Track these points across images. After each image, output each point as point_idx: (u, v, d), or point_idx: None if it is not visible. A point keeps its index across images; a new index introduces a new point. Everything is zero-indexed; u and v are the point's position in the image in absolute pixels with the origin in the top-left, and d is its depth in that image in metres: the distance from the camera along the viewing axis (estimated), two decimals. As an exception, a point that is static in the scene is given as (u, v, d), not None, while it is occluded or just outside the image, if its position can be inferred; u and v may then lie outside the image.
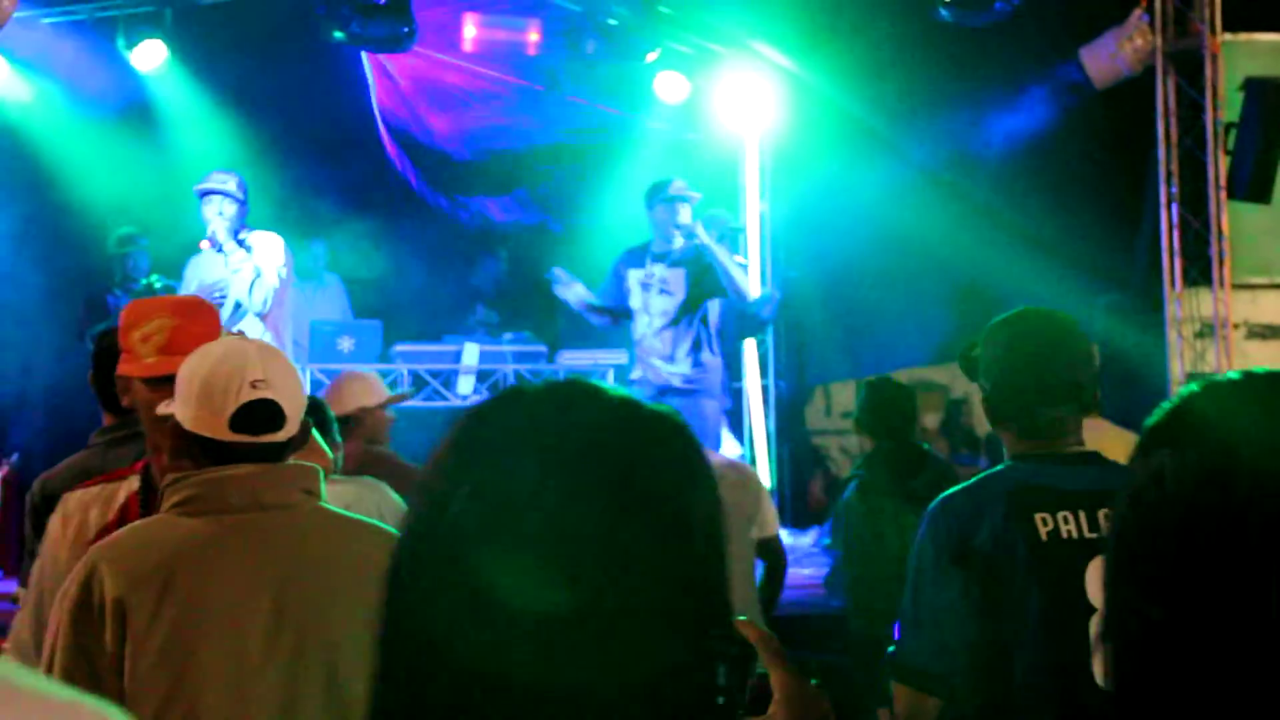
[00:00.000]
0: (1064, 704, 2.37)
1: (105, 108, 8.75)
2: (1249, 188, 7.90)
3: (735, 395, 8.93)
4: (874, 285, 9.28)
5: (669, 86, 9.49)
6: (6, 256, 8.45)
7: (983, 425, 7.25)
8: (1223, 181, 8.00)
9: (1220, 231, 8.03)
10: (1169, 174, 8.12)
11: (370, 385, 4.89)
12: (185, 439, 2.21)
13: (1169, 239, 8.13)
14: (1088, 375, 2.64)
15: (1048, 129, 8.59)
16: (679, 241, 7.17)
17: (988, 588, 2.48)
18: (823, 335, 10.00)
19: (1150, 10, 8.08)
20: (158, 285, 8.03)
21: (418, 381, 7.93)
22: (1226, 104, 8.03)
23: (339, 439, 4.29)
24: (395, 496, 3.81)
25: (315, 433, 3.34)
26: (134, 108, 8.83)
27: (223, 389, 2.18)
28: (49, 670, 2.02)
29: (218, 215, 6.61)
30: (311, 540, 2.22)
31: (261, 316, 6.50)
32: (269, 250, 6.60)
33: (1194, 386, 1.05)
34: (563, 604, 0.93)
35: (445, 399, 8.05)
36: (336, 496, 2.72)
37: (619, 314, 7.44)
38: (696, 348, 7.22)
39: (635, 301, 7.28)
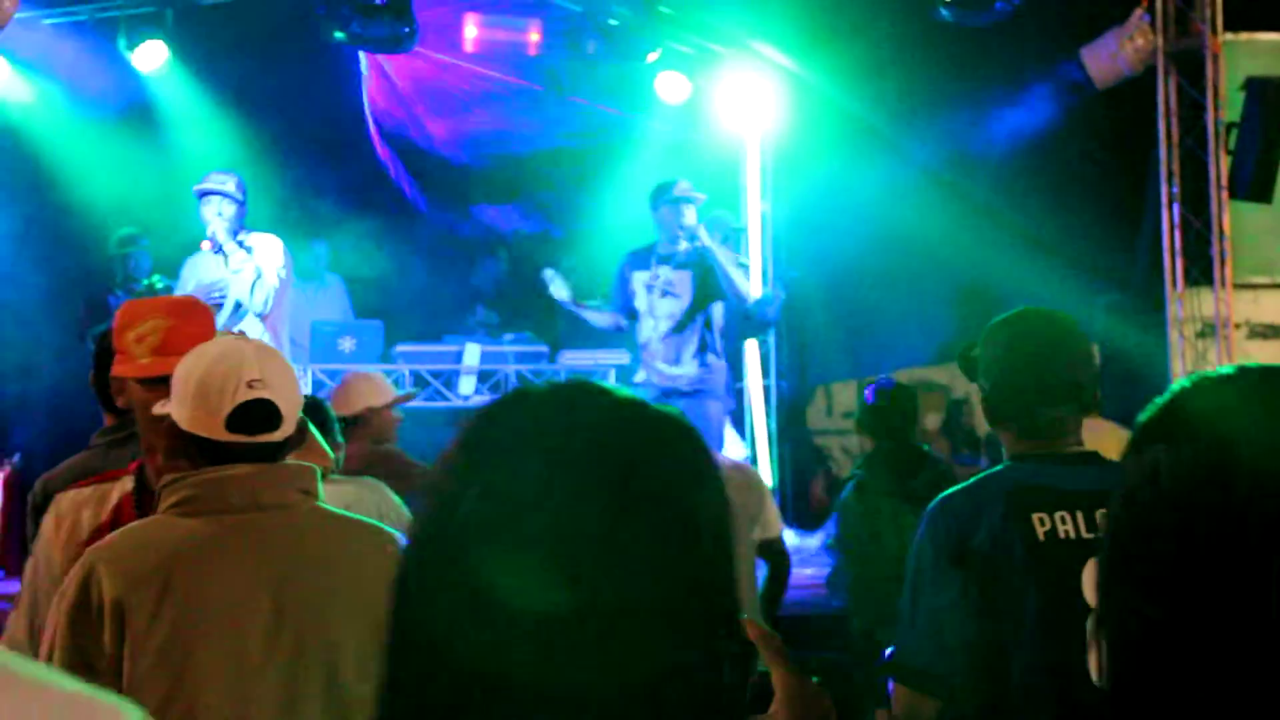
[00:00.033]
0: (1061, 704, 2.36)
1: (106, 108, 8.74)
2: (1250, 187, 7.89)
3: (737, 395, 8.94)
4: (875, 285, 9.28)
5: (670, 87, 9.48)
6: (8, 257, 8.45)
7: (984, 425, 7.23)
8: (1224, 181, 7.99)
9: (1221, 231, 8.02)
10: (1170, 174, 8.11)
11: (377, 386, 4.91)
12: (181, 439, 2.21)
13: (1170, 239, 8.12)
14: (1088, 375, 2.63)
15: (1049, 129, 8.59)
16: (684, 244, 7.16)
17: (986, 588, 2.48)
18: (824, 335, 9.99)
19: (1151, 10, 8.07)
20: (159, 286, 8.02)
21: (419, 382, 7.94)
22: (1228, 103, 8.02)
23: (340, 439, 4.29)
24: (395, 497, 3.82)
25: (316, 432, 3.35)
26: (135, 108, 8.83)
27: (219, 389, 2.18)
28: (47, 671, 2.02)
29: (217, 216, 6.61)
30: (309, 540, 2.22)
31: (262, 317, 6.51)
32: (269, 251, 6.61)
33: (1186, 382, 1.04)
34: (562, 604, 0.93)
35: (447, 399, 8.05)
36: (337, 496, 2.72)
37: (620, 317, 7.45)
38: (702, 350, 7.23)
39: (640, 304, 7.28)
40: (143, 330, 2.64)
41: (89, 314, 8.16)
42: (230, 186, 6.68)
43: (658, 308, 7.24)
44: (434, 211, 10.20)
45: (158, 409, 2.30)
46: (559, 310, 8.11)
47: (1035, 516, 2.47)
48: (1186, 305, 8.10)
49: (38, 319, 8.68)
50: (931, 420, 8.71)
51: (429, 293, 9.82)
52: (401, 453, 4.85)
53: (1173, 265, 8.11)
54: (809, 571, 7.07)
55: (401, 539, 2.28)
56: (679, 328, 7.20)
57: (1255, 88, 7.89)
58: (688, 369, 7.20)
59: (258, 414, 2.19)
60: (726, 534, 1.02)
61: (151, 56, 8.51)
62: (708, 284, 7.15)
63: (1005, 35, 8.16)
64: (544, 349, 8.51)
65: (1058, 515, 2.47)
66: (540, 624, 0.93)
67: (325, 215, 9.31)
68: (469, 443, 1.02)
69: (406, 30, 8.11)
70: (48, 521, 2.70)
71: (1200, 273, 8.11)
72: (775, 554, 5.16)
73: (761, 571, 5.23)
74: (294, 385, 2.29)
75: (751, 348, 9.43)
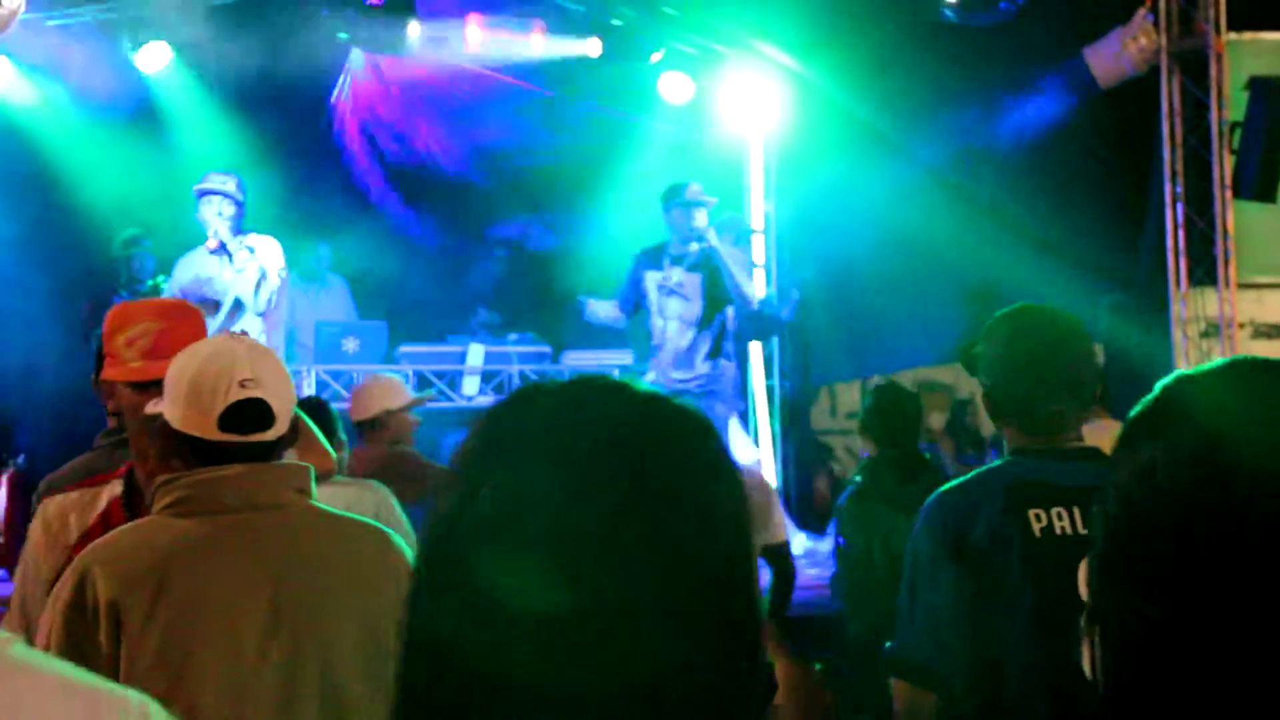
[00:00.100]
0: (1058, 700, 2.36)
1: (110, 110, 8.75)
2: (1254, 187, 7.89)
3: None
4: (879, 285, 9.27)
5: (673, 87, 9.49)
6: (12, 259, 8.47)
7: (989, 426, 7.24)
8: (1228, 181, 7.98)
9: (1225, 231, 8.01)
10: (1174, 173, 8.10)
11: (394, 388, 4.93)
12: (174, 439, 2.21)
13: (1174, 238, 8.11)
14: (1088, 371, 2.63)
15: (1053, 128, 8.58)
16: (695, 246, 7.26)
17: (983, 583, 2.47)
18: (828, 336, 9.99)
19: (1155, 10, 8.07)
20: (163, 287, 8.03)
21: (423, 382, 7.95)
22: (1231, 103, 8.01)
23: (343, 438, 4.31)
24: (395, 502, 3.83)
25: (318, 432, 3.35)
26: (139, 109, 8.84)
27: (211, 388, 2.17)
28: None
29: (217, 216, 6.63)
30: (304, 539, 2.22)
31: (262, 316, 6.53)
32: (271, 251, 6.64)
33: (1177, 375, 1.03)
34: (563, 604, 0.92)
35: (451, 400, 8.06)
36: (337, 498, 2.72)
37: (618, 308, 7.56)
38: (713, 352, 7.33)
39: (652, 304, 7.37)
40: (133, 334, 2.62)
41: (93, 315, 8.16)
42: (230, 186, 6.70)
43: (668, 309, 7.32)
44: (444, 236, 10.19)
45: (150, 408, 2.29)
46: (561, 311, 8.15)
47: (1032, 512, 2.46)
48: (1190, 305, 8.09)
49: (42, 321, 8.69)
50: (936, 420, 8.70)
51: (432, 294, 9.83)
52: (417, 454, 4.87)
53: (1176, 265, 8.10)
54: (813, 572, 7.08)
55: (398, 539, 2.28)
56: (691, 329, 7.29)
57: (1259, 87, 7.89)
58: (699, 369, 7.29)
59: (250, 413, 2.18)
60: (744, 529, 1.00)
61: (155, 57, 8.53)
62: (716, 286, 7.24)
63: (1009, 35, 8.16)
64: (547, 349, 8.53)
65: (1054, 511, 2.46)
66: (540, 624, 0.92)
67: (328, 216, 9.32)
68: (479, 442, 1.02)
69: (408, 31, 8.12)
70: (35, 525, 2.69)
71: (1204, 272, 8.09)
72: (780, 559, 5.17)
73: (764, 576, 5.24)
74: (287, 384, 2.28)
75: (755, 348, 9.45)
